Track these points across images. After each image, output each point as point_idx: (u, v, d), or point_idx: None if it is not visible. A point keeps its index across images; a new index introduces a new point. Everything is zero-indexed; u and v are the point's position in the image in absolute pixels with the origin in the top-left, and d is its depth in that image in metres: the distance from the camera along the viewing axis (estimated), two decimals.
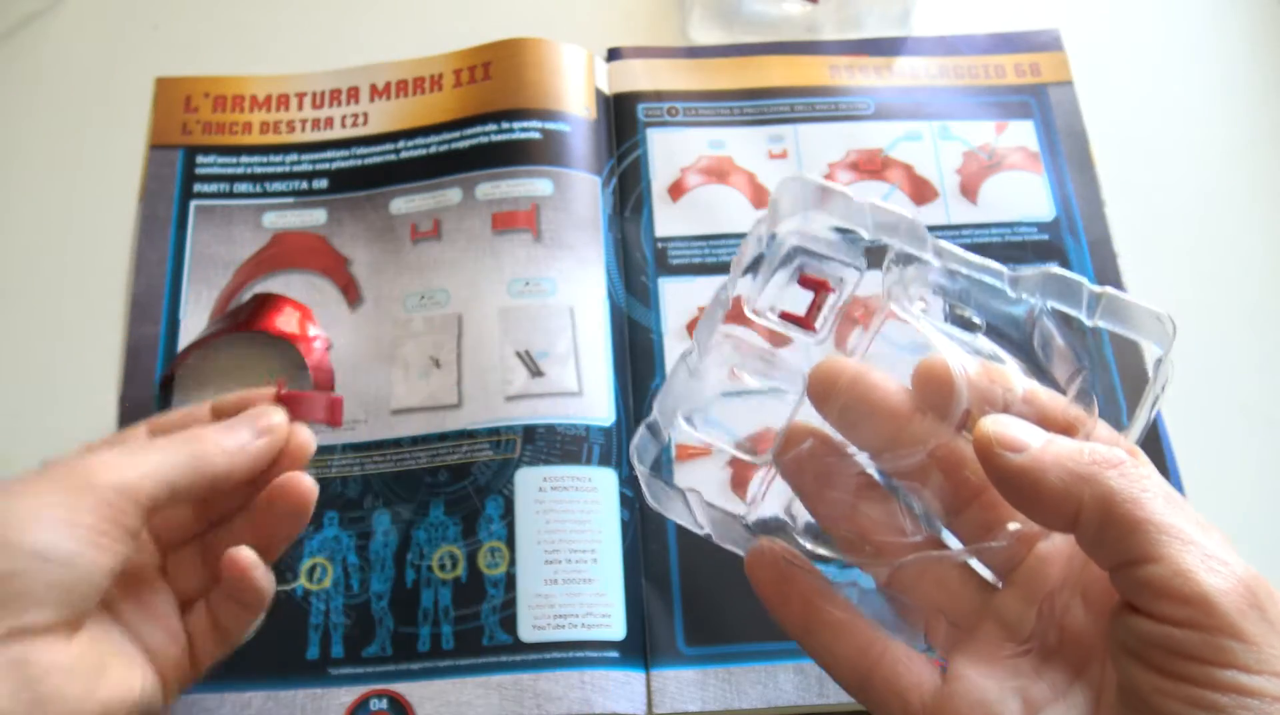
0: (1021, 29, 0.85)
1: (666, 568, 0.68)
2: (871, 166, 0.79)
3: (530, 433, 0.69)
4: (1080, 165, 0.79)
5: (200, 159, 0.79)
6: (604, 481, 0.69)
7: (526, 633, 0.65)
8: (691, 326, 0.73)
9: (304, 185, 0.79)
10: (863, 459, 0.49)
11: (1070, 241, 0.76)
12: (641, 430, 0.50)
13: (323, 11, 0.86)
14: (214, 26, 0.85)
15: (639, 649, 0.66)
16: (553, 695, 0.63)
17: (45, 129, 0.81)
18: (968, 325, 0.49)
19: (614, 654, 0.65)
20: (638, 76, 0.82)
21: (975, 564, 0.47)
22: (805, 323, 0.52)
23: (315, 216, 0.78)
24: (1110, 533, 0.39)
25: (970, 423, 0.45)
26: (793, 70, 0.83)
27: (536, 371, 0.71)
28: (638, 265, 0.76)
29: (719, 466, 0.70)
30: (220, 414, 0.54)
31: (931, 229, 0.75)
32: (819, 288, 0.53)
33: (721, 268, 0.75)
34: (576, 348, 0.72)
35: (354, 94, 0.82)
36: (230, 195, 0.78)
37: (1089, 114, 0.81)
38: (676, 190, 0.78)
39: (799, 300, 0.52)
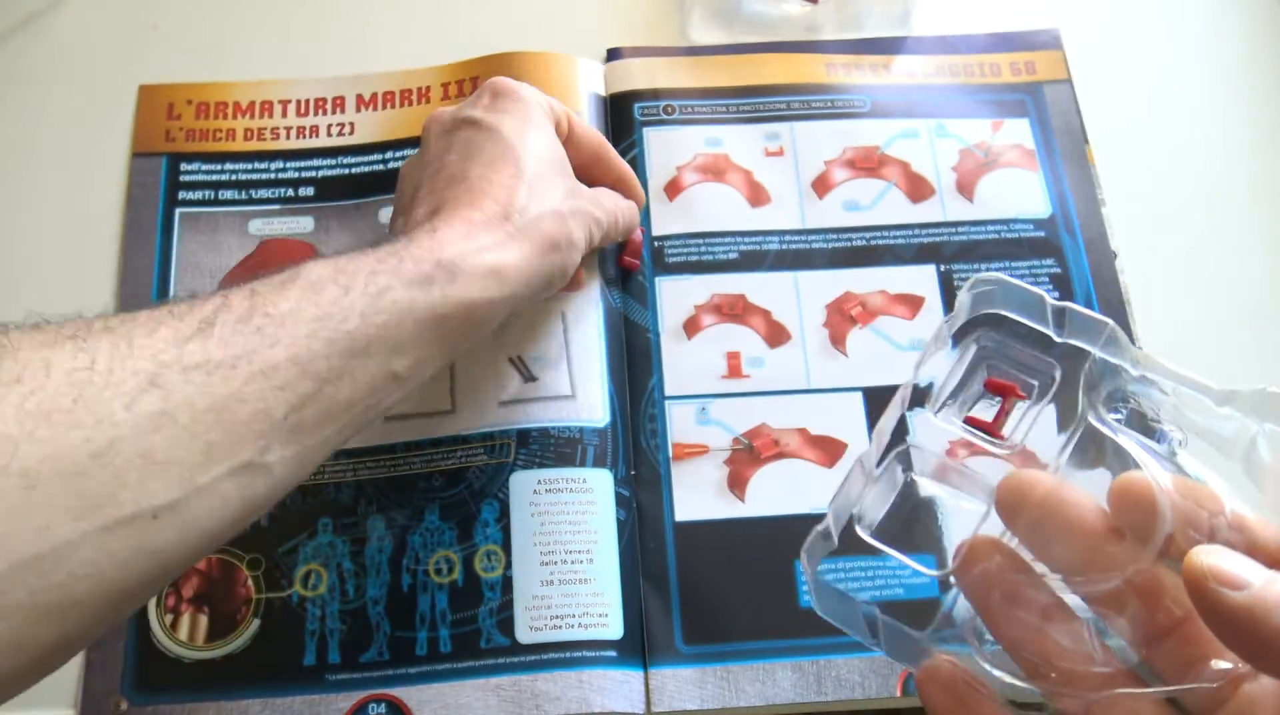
0: (1021, 29, 0.85)
1: (664, 567, 0.67)
2: (868, 164, 0.78)
3: (524, 437, 0.69)
4: (1076, 163, 0.79)
5: (184, 166, 0.78)
6: (599, 482, 0.68)
7: (524, 634, 0.64)
8: (689, 325, 0.73)
9: (290, 193, 0.78)
10: (1054, 581, 0.45)
11: (1066, 239, 0.76)
12: (813, 536, 0.47)
13: (320, 21, 0.86)
14: (212, 30, 0.85)
15: (637, 648, 0.65)
16: (551, 696, 0.62)
17: (37, 134, 0.80)
18: (1168, 440, 0.45)
19: (612, 654, 0.64)
20: (634, 75, 0.82)
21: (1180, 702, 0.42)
22: (992, 430, 0.49)
23: (302, 224, 0.77)
24: None
25: (1172, 548, 0.41)
26: (789, 68, 0.82)
27: (529, 376, 0.71)
28: (637, 269, 0.75)
29: (715, 465, 0.70)
30: None
31: (928, 227, 0.76)
32: (1007, 393, 0.49)
33: (718, 266, 0.75)
34: (569, 351, 0.71)
35: (340, 103, 0.81)
36: (215, 203, 0.77)
37: (1089, 113, 0.81)
38: (673, 188, 0.78)
39: (987, 407, 0.49)
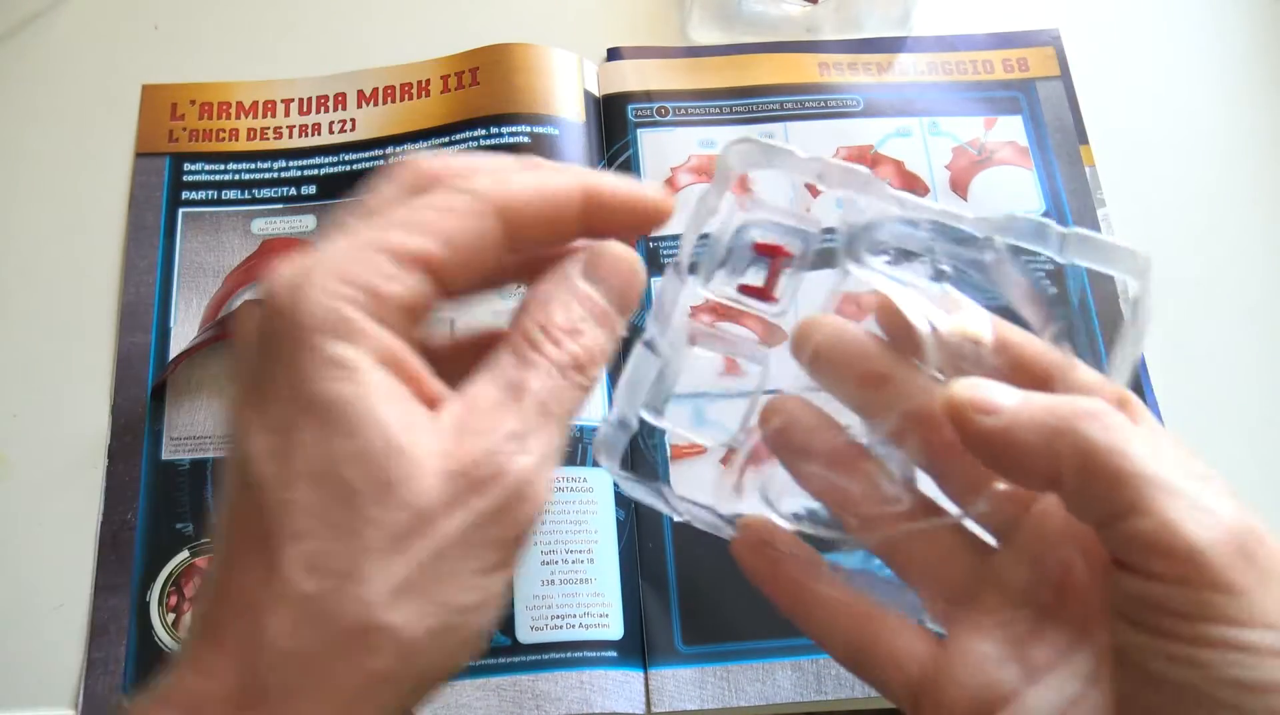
0: (1020, 29, 0.85)
1: (663, 567, 0.68)
2: (862, 163, 0.78)
3: None
4: (1070, 160, 0.80)
5: (187, 166, 0.79)
6: (600, 482, 0.69)
7: (524, 634, 0.65)
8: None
9: (292, 191, 0.78)
10: (851, 425, 0.47)
11: None
12: (605, 427, 0.47)
13: (321, 17, 0.86)
14: (212, 30, 0.85)
15: (637, 648, 0.66)
16: (552, 696, 0.63)
17: (39, 134, 0.81)
18: (935, 275, 0.46)
19: (612, 654, 0.65)
20: (627, 77, 0.82)
21: (973, 527, 0.45)
22: (764, 293, 0.49)
23: (305, 222, 0.77)
24: (1092, 488, 0.37)
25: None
26: (782, 68, 0.83)
27: None
28: None
29: (713, 465, 0.70)
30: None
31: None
32: (775, 254, 0.49)
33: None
34: None
35: (341, 100, 0.82)
36: (218, 202, 0.78)
37: (1089, 114, 0.82)
38: (667, 190, 0.77)
39: (756, 274, 0.49)
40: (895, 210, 0.45)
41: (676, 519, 0.50)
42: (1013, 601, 0.42)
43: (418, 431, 0.34)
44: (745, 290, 0.49)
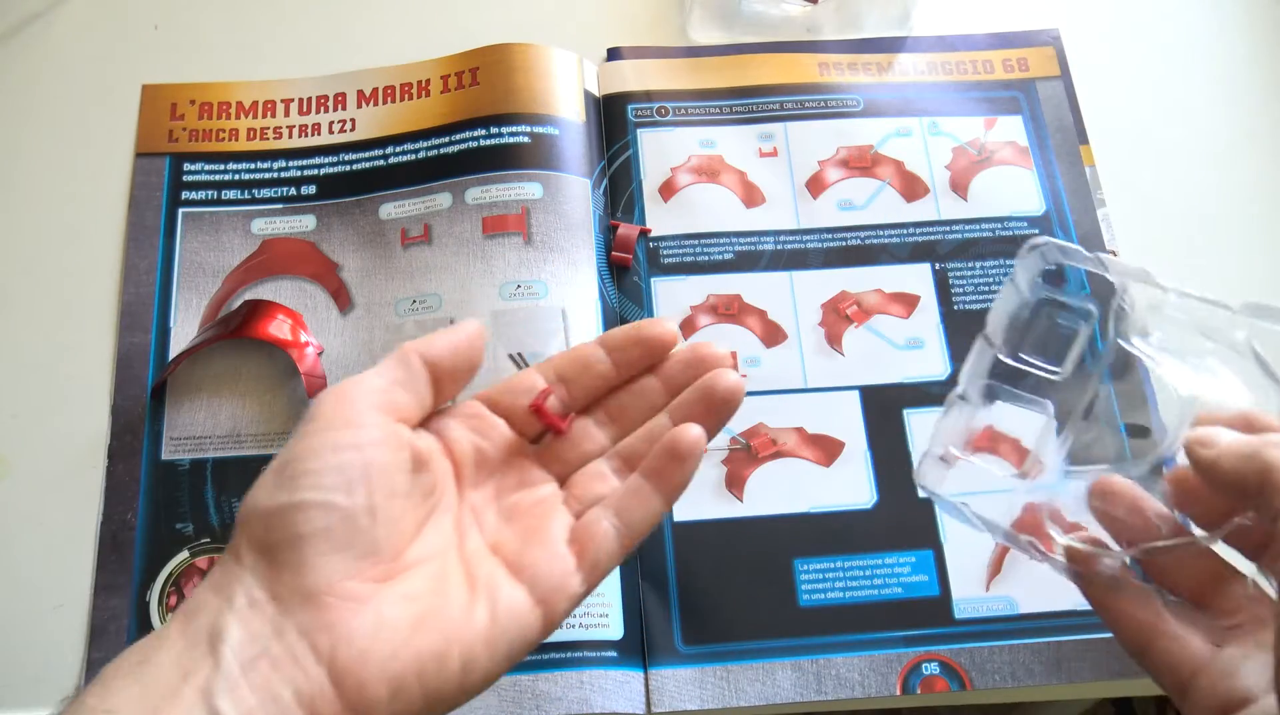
0: (1020, 29, 0.86)
1: (663, 567, 0.68)
2: (862, 163, 0.79)
3: None
4: (1070, 160, 0.80)
5: (187, 166, 0.79)
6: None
7: None
8: (685, 326, 0.74)
9: (292, 191, 0.78)
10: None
11: (1061, 236, 0.77)
12: (928, 460, 0.59)
13: (321, 17, 0.86)
14: (212, 29, 0.85)
15: (637, 648, 0.66)
16: (552, 696, 0.63)
17: (39, 134, 0.81)
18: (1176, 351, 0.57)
19: (612, 654, 0.65)
20: (627, 77, 0.82)
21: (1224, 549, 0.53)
22: (1048, 365, 0.59)
23: (304, 222, 0.77)
24: (1271, 494, 0.45)
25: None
26: (782, 68, 0.83)
27: None
28: (630, 265, 0.76)
29: (713, 465, 0.70)
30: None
31: (922, 225, 0.77)
32: (1063, 331, 0.60)
33: (713, 267, 0.76)
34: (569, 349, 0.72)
35: (341, 100, 0.82)
36: (218, 202, 0.78)
37: (1089, 114, 0.82)
38: (667, 190, 0.78)
39: (1047, 344, 0.60)
40: (1171, 298, 0.55)
41: (975, 531, 0.59)
42: (1261, 615, 0.51)
43: None
44: (1029, 360, 0.60)
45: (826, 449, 0.71)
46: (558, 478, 0.54)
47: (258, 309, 0.72)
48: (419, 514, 0.50)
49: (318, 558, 0.44)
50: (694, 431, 0.50)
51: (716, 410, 0.52)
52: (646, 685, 0.65)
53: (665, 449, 0.50)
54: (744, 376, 0.71)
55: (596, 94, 0.82)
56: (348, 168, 0.79)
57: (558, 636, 0.64)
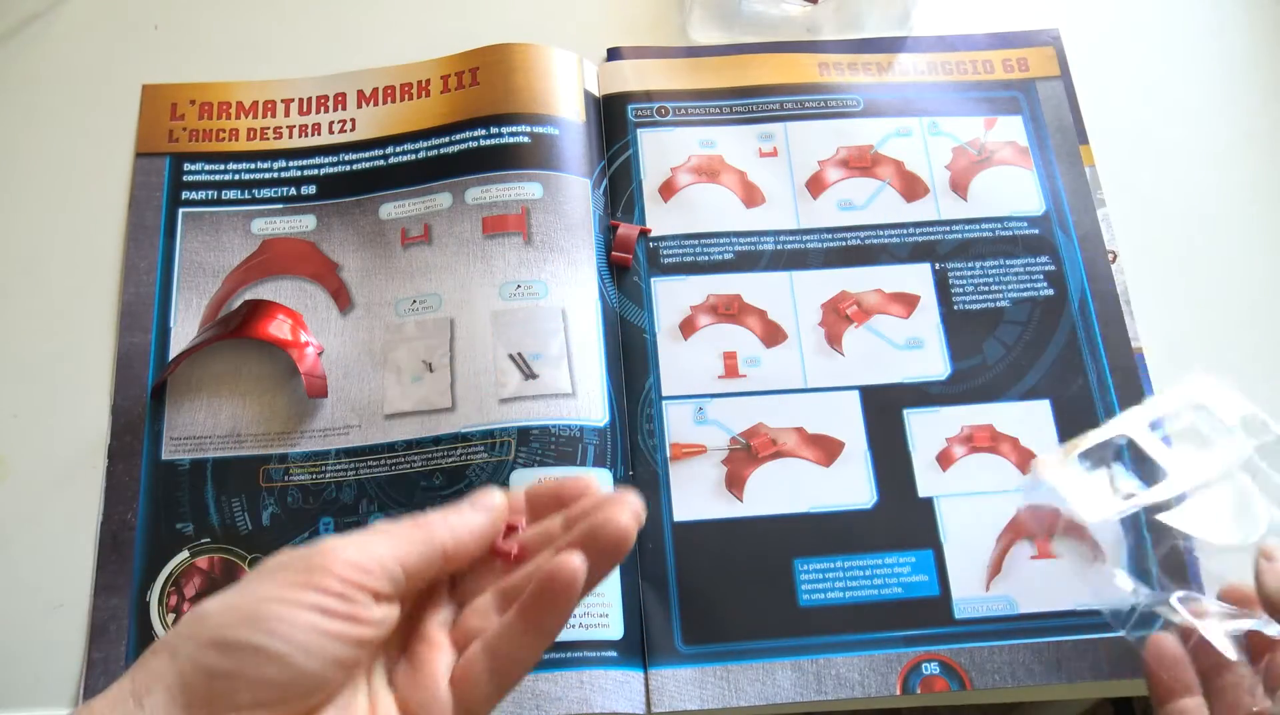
0: (1020, 29, 0.86)
1: (663, 567, 0.68)
2: (861, 163, 0.79)
3: (525, 435, 0.69)
4: (1070, 160, 0.80)
5: (187, 166, 0.79)
6: (600, 482, 0.68)
7: None
8: (685, 326, 0.74)
9: (292, 191, 0.78)
10: None
11: (1060, 236, 0.77)
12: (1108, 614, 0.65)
13: (321, 17, 0.86)
14: (212, 30, 0.85)
15: (637, 648, 0.66)
16: (552, 696, 0.63)
17: (39, 134, 0.81)
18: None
19: (612, 654, 0.65)
20: (627, 77, 0.82)
21: None
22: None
23: (304, 222, 0.77)
24: None
25: None
26: (782, 68, 0.83)
27: (530, 374, 0.71)
28: (630, 265, 0.76)
29: (713, 465, 0.70)
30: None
31: (922, 225, 0.77)
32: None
33: (713, 266, 0.76)
34: (569, 349, 0.72)
35: (341, 100, 0.82)
36: (218, 202, 0.78)
37: (1089, 115, 0.82)
38: (667, 190, 0.78)
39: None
40: None
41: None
42: None
43: None
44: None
45: (826, 449, 0.71)
46: (459, 605, 0.50)
47: (258, 309, 0.72)
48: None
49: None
50: (574, 562, 0.44)
51: (602, 550, 0.46)
52: (646, 685, 0.65)
53: (539, 583, 0.45)
54: (744, 376, 0.71)
55: (596, 94, 0.82)
56: (348, 168, 0.79)
57: (558, 636, 0.64)
